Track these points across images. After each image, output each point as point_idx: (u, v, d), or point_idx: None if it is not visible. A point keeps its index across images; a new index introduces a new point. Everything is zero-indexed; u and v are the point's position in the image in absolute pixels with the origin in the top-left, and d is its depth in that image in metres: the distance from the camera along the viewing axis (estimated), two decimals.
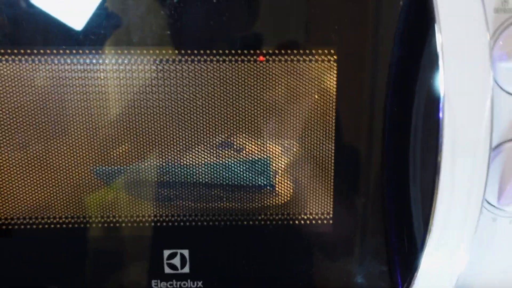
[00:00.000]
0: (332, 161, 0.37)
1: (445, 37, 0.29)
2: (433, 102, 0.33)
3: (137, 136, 0.35)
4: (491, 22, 0.35)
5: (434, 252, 0.32)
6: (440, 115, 0.29)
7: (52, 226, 0.36)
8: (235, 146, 0.37)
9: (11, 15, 0.32)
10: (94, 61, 0.33)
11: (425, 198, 0.38)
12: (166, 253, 0.37)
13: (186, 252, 0.37)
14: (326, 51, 0.35)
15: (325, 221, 0.39)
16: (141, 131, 0.35)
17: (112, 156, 0.35)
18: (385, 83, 0.37)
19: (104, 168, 0.36)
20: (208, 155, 0.36)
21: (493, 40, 0.35)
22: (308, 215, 0.38)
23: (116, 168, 0.36)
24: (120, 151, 0.35)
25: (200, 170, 0.37)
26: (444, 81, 0.29)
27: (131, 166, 0.36)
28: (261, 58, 0.34)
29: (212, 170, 0.37)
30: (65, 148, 0.35)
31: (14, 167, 0.35)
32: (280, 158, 0.37)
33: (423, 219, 0.37)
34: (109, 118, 0.35)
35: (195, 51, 0.34)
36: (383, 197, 0.39)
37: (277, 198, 0.38)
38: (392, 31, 0.36)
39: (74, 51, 0.33)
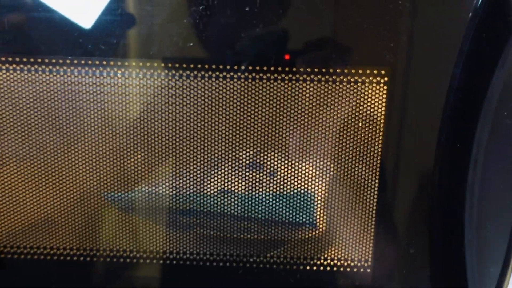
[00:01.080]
0: (375, 199, 0.32)
1: None
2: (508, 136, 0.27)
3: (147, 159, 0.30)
4: None
5: None
6: None
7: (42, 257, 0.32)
8: (267, 175, 0.31)
9: (15, 23, 0.28)
10: (105, 73, 0.29)
11: (481, 247, 0.32)
12: None
13: None
14: (375, 72, 0.30)
15: (361, 269, 0.33)
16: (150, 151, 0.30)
17: (119, 179, 0.31)
18: (441, 111, 0.31)
19: (111, 193, 0.31)
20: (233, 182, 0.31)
21: None
22: (342, 261, 0.33)
23: (122, 193, 0.31)
24: (130, 172, 0.31)
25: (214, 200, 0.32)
26: None
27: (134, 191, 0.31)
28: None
29: (232, 200, 0.32)
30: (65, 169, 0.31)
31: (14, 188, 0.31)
32: (315, 191, 0.32)
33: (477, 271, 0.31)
34: (119, 137, 0.30)
35: (220, 67, 0.29)
36: (430, 244, 0.33)
37: (308, 239, 0.33)
38: (455, 51, 0.30)
39: (82, 62, 0.29)
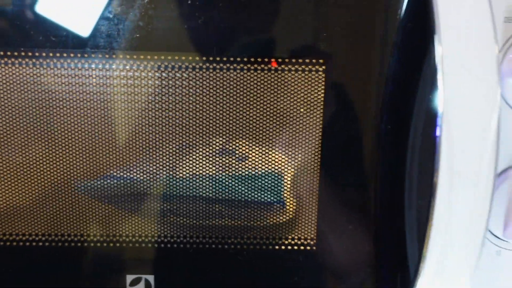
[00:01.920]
0: (317, 182, 0.34)
1: (446, 49, 0.26)
2: (430, 121, 0.29)
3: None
4: (500, 33, 0.31)
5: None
6: (437, 133, 0.26)
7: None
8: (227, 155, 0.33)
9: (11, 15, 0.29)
10: (97, 65, 0.30)
11: (421, 227, 0.34)
12: (129, 278, 0.33)
13: (151, 278, 0.33)
14: (314, 61, 0.32)
15: (308, 247, 0.35)
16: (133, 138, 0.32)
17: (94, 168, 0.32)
18: (380, 99, 0.33)
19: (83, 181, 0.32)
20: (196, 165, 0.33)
21: (502, 53, 0.32)
22: (289, 240, 0.34)
23: (93, 180, 0.32)
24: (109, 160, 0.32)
25: (171, 183, 0.33)
26: (443, 98, 0.26)
27: (107, 177, 0.33)
28: (274, 63, 0.31)
29: (184, 183, 0.33)
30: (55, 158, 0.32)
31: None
32: (262, 173, 0.34)
33: (418, 251, 0.33)
34: (108, 127, 0.31)
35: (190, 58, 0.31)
36: (375, 225, 0.35)
37: (256, 220, 0.34)
38: (390, 44, 0.32)
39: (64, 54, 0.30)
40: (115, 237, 0.33)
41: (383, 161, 0.34)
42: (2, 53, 0.30)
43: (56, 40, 0.29)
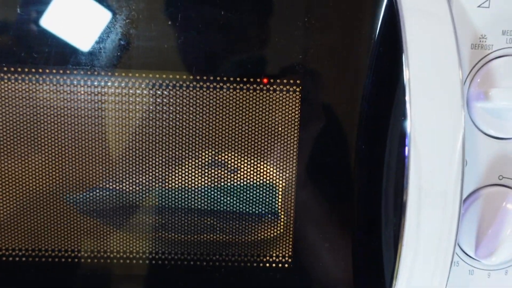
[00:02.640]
0: (294, 198, 0.34)
1: (413, 72, 0.27)
2: (400, 141, 0.30)
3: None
4: (467, 59, 0.33)
5: None
6: (406, 153, 0.27)
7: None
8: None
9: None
10: (88, 83, 0.31)
11: (396, 244, 0.35)
12: None
13: None
14: (291, 81, 0.33)
15: (285, 265, 0.35)
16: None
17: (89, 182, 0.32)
18: (356, 119, 0.34)
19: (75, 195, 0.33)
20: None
21: (470, 77, 0.33)
22: (267, 258, 0.35)
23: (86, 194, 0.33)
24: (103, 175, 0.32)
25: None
26: (410, 119, 0.27)
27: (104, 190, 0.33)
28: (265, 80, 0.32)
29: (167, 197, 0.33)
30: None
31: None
32: (240, 189, 0.34)
33: (392, 268, 0.34)
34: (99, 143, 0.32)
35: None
36: (353, 242, 0.36)
37: (233, 237, 0.34)
38: (365, 66, 0.34)
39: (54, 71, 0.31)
40: (102, 253, 0.33)
41: (360, 179, 0.35)
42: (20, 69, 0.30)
43: (38, 57, 0.30)
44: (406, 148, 0.27)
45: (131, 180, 0.33)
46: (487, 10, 0.31)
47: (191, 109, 0.33)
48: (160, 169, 0.33)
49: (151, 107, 0.32)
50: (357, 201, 0.35)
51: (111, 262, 0.34)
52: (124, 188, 0.33)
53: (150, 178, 0.33)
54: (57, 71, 0.31)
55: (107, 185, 0.33)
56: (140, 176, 0.33)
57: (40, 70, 0.31)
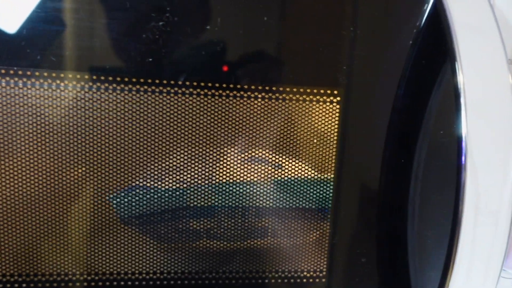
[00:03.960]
0: (329, 213, 0.33)
1: (467, 79, 0.26)
2: (442, 156, 0.30)
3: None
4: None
5: None
6: (462, 163, 0.26)
7: None
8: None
9: None
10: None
11: (422, 255, 0.35)
12: None
13: None
14: (329, 92, 0.31)
15: (317, 280, 0.34)
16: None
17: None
18: (385, 130, 0.34)
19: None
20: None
21: None
22: (299, 273, 0.33)
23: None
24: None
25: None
26: (466, 131, 0.26)
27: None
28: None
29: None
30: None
31: None
32: (274, 202, 0.32)
33: (420, 278, 0.34)
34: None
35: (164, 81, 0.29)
36: (378, 253, 0.35)
37: (268, 251, 0.33)
38: (398, 75, 0.33)
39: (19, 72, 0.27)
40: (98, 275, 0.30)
41: (385, 190, 0.35)
42: None
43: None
44: (463, 159, 0.26)
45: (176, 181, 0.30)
46: None
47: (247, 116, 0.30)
48: (213, 171, 0.30)
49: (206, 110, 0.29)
50: (383, 213, 0.35)
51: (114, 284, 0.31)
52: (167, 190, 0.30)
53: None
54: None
55: (145, 184, 0.30)
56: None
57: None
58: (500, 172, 0.26)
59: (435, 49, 0.32)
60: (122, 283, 0.30)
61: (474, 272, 0.27)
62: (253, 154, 0.31)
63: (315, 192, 0.32)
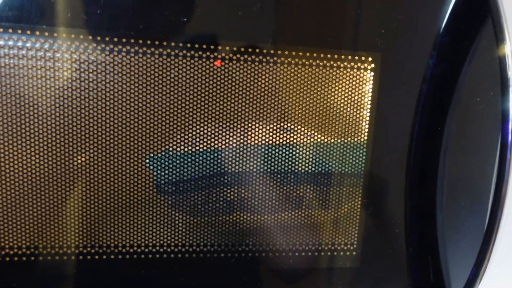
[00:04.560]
0: (361, 186, 0.32)
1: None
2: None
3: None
4: None
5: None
6: (509, 130, 0.26)
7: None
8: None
9: None
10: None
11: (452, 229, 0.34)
12: None
13: None
14: (363, 58, 0.31)
15: (351, 252, 0.33)
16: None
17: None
18: (415, 100, 0.33)
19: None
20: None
21: None
22: (332, 246, 0.33)
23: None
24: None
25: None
26: None
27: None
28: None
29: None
30: None
31: None
32: (307, 173, 0.31)
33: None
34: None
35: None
36: (408, 223, 0.35)
37: (300, 227, 0.32)
38: (431, 43, 0.32)
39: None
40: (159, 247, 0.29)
41: (414, 163, 0.34)
42: None
43: None
44: (510, 125, 0.25)
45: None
46: None
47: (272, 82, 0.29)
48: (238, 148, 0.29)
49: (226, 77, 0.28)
50: (412, 183, 0.34)
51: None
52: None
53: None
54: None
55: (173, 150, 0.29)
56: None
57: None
58: None
59: (472, 16, 0.31)
60: (156, 255, 0.29)
61: None
62: (285, 122, 0.30)
63: (348, 157, 0.32)
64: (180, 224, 0.29)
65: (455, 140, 0.34)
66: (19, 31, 0.25)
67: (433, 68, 0.33)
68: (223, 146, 0.29)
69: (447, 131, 0.34)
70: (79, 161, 0.27)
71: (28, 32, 0.25)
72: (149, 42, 0.27)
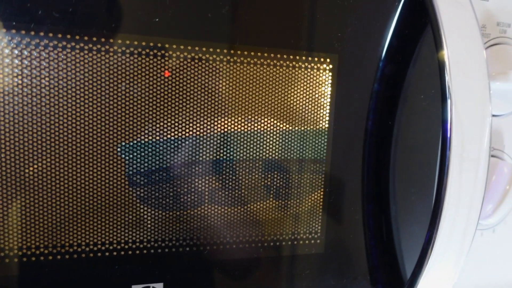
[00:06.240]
0: (323, 177, 0.35)
1: (450, 50, 0.30)
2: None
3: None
4: None
5: (431, 271, 0.31)
6: (448, 127, 0.29)
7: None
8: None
9: None
10: None
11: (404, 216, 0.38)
12: None
13: (160, 286, 0.30)
14: (322, 60, 0.33)
15: (315, 241, 0.35)
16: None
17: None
18: (368, 96, 0.36)
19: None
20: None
21: None
22: (297, 235, 0.34)
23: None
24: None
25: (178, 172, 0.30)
26: (451, 95, 0.29)
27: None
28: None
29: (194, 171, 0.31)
30: None
31: None
32: (275, 168, 0.33)
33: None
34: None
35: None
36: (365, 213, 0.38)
37: (267, 217, 0.34)
38: (382, 46, 0.36)
39: None
40: (118, 244, 0.29)
41: (369, 157, 0.37)
42: None
43: None
44: (448, 122, 0.29)
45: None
46: (486, 3, 0.36)
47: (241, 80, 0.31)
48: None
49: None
50: (368, 170, 0.37)
51: (129, 253, 0.30)
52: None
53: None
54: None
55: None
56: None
57: None
58: (478, 124, 0.30)
59: (415, 20, 0.35)
60: (127, 252, 0.29)
61: (460, 218, 0.30)
62: (249, 117, 0.32)
63: (310, 152, 0.34)
64: (147, 220, 0.30)
65: (404, 132, 0.37)
66: None
67: (383, 69, 0.36)
68: (184, 137, 0.30)
69: (397, 125, 0.37)
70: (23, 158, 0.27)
71: None
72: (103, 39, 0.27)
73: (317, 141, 0.34)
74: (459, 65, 0.30)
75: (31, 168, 0.27)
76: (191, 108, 0.30)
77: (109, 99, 0.28)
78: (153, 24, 0.28)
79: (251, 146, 0.32)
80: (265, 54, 0.31)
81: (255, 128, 0.32)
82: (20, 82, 0.26)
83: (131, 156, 0.29)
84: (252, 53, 0.31)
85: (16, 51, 0.25)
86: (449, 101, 0.29)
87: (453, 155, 0.29)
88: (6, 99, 0.26)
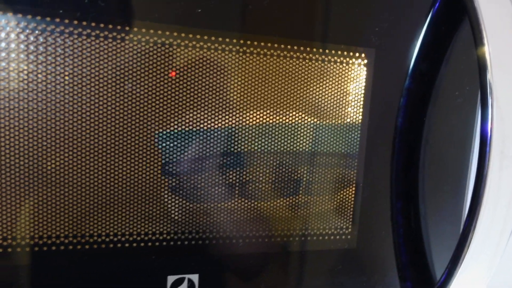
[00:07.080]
0: (356, 172, 0.35)
1: (491, 47, 0.29)
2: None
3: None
4: None
5: (467, 269, 0.31)
6: (488, 123, 0.29)
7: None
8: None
9: None
10: None
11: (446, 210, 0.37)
12: (171, 279, 0.29)
13: (195, 278, 0.30)
14: (358, 54, 0.33)
15: (346, 236, 0.35)
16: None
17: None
18: (399, 95, 0.36)
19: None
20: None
21: None
22: (329, 230, 0.34)
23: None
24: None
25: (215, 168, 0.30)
26: (491, 92, 0.29)
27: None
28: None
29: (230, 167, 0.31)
30: None
31: None
32: (307, 165, 0.33)
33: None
34: None
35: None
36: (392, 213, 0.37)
37: (300, 212, 0.33)
38: (416, 41, 0.35)
39: None
40: (153, 235, 0.29)
41: (398, 154, 0.37)
42: None
43: None
44: (489, 118, 0.29)
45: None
46: None
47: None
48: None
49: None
50: (397, 167, 0.37)
51: (165, 244, 0.30)
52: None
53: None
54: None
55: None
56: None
57: None
58: None
59: (451, 16, 0.35)
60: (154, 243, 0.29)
61: (497, 217, 0.30)
62: (282, 113, 0.32)
63: (343, 148, 0.34)
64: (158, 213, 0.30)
65: (435, 130, 0.37)
66: None
67: (416, 65, 0.36)
68: (217, 128, 0.30)
69: (427, 122, 0.37)
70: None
71: None
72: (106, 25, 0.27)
73: (350, 136, 0.34)
74: (500, 61, 0.29)
75: (65, 158, 0.26)
76: (225, 100, 0.30)
77: (140, 88, 0.27)
78: (194, 14, 0.28)
79: (285, 139, 0.32)
80: (301, 48, 0.31)
81: (289, 121, 0.32)
82: (35, 68, 0.25)
83: (167, 145, 0.28)
84: (289, 47, 0.31)
85: (32, 37, 0.25)
86: (489, 97, 0.29)
87: (493, 152, 0.29)
88: (40, 86, 0.25)
